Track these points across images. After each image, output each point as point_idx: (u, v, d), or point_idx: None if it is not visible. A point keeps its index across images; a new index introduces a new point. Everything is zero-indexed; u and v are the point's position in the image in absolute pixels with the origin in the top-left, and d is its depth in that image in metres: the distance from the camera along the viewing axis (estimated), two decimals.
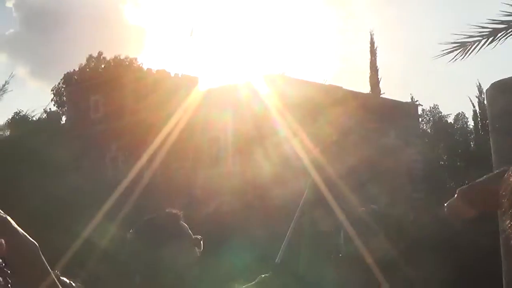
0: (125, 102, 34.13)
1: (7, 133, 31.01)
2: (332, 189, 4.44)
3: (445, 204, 1.50)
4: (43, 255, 1.39)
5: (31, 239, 1.37)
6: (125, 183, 17.06)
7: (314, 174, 4.58)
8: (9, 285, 1.20)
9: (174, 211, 2.79)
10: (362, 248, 3.86)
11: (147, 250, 2.65)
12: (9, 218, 1.32)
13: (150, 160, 26.19)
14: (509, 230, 1.40)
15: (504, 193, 1.42)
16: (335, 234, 4.52)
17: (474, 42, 6.86)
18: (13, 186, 22.58)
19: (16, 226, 1.32)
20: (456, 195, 1.48)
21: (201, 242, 2.76)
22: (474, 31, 6.90)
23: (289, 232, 4.09)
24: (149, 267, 2.64)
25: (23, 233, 1.34)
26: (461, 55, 6.96)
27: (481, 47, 6.88)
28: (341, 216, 4.48)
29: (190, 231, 2.76)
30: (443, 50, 7.02)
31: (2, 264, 1.23)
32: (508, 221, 1.39)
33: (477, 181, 1.49)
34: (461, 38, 6.94)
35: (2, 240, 1.15)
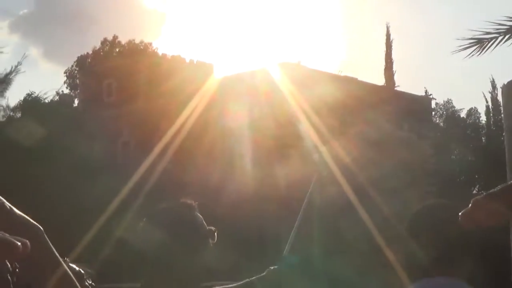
0: (139, 87, 34.16)
1: (19, 114, 31.12)
2: (350, 181, 4.43)
3: (460, 214, 1.46)
4: (53, 239, 1.30)
5: (33, 222, 1.26)
6: (137, 168, 17.11)
7: (330, 161, 4.56)
8: (17, 270, 1.14)
9: (189, 201, 2.75)
10: (383, 245, 3.86)
11: (160, 239, 2.65)
12: (4, 200, 1.19)
13: (163, 146, 26.23)
14: None
15: None
16: (346, 212, 4.48)
17: (491, 39, 6.85)
18: (24, 167, 22.69)
19: (13, 209, 1.21)
20: (470, 205, 1.44)
21: (215, 233, 2.73)
22: (491, 28, 6.89)
23: (298, 219, 4.05)
24: (161, 257, 2.64)
25: (22, 216, 1.23)
26: (477, 51, 6.95)
27: (497, 44, 6.87)
28: (351, 195, 4.45)
29: (204, 222, 2.76)
30: (460, 46, 7.02)
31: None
32: None
33: (491, 191, 1.46)
34: (478, 35, 6.93)
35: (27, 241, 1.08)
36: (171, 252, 2.61)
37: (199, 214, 2.74)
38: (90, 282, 3.66)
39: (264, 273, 3.28)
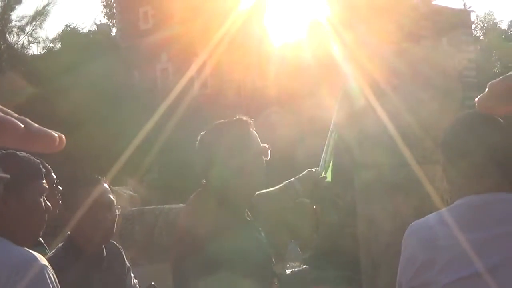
0: (175, 13, 34.01)
1: (58, 45, 31.31)
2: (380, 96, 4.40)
3: (476, 99, 1.27)
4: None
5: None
6: (176, 93, 17.22)
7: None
8: None
9: (245, 118, 2.79)
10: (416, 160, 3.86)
11: (216, 155, 2.66)
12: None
13: (200, 70, 26.22)
14: None
15: None
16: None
17: None
18: (64, 97, 22.97)
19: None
20: (486, 90, 1.26)
21: (269, 151, 2.76)
22: None
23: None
24: (216, 173, 2.67)
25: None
26: None
27: None
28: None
29: (258, 138, 2.77)
30: None
31: None
32: None
33: (510, 73, 1.26)
34: None
35: None
36: (225, 168, 2.65)
37: (254, 131, 2.78)
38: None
39: (303, 173, 3.34)
